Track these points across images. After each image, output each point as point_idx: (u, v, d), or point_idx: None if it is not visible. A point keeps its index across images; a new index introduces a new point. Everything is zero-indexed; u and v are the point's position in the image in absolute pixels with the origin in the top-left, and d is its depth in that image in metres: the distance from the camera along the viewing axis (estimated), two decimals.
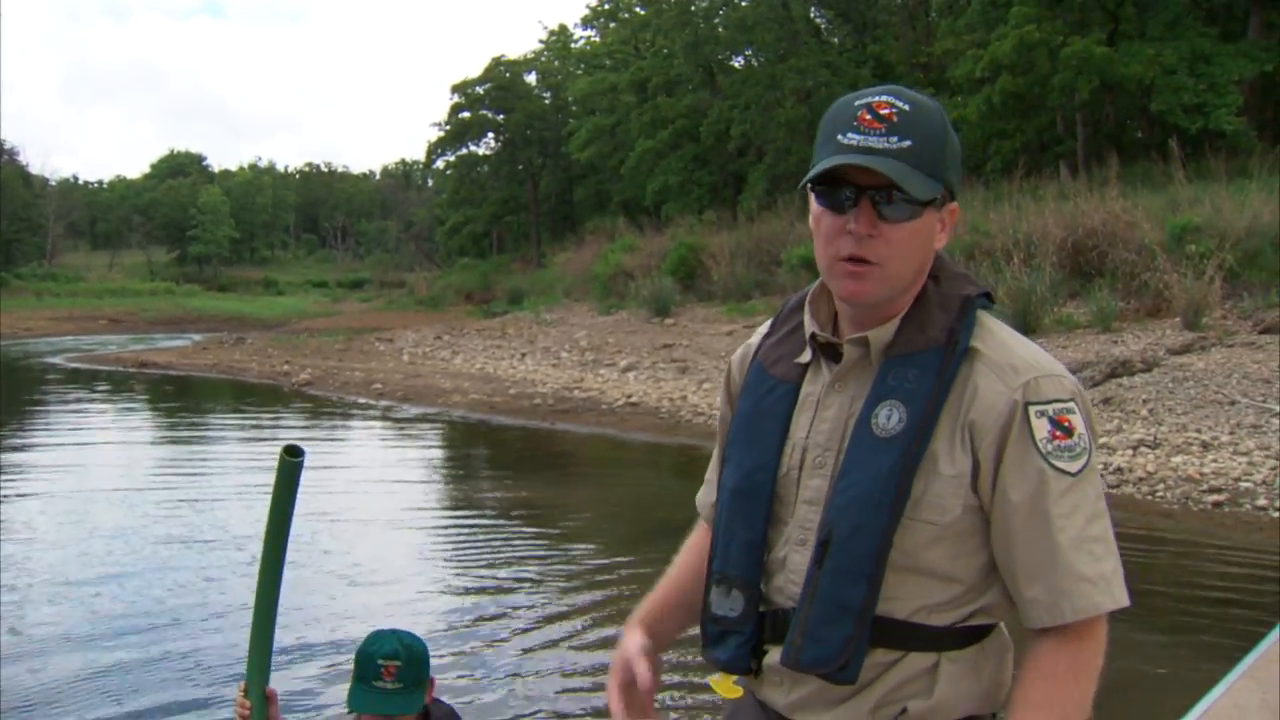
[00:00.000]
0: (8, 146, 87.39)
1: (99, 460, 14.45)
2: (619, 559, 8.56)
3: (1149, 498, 9.94)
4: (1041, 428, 1.54)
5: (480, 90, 65.05)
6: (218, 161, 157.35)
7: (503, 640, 6.72)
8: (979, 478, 1.56)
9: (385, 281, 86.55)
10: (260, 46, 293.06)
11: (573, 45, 65.38)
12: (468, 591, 7.89)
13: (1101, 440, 11.42)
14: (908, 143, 1.53)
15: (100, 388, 25.25)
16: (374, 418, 18.93)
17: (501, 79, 64.59)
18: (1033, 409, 1.54)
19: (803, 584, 1.62)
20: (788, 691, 1.68)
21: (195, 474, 13.18)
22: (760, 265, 30.47)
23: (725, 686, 1.80)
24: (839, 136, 1.55)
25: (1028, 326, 17.41)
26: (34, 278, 76.18)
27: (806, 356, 1.72)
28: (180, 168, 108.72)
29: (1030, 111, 31.19)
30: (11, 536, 9.32)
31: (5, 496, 11.34)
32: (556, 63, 66.53)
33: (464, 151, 67.73)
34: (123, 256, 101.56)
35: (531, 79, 66.79)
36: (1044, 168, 28.12)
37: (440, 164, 71.19)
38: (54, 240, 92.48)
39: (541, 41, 67.45)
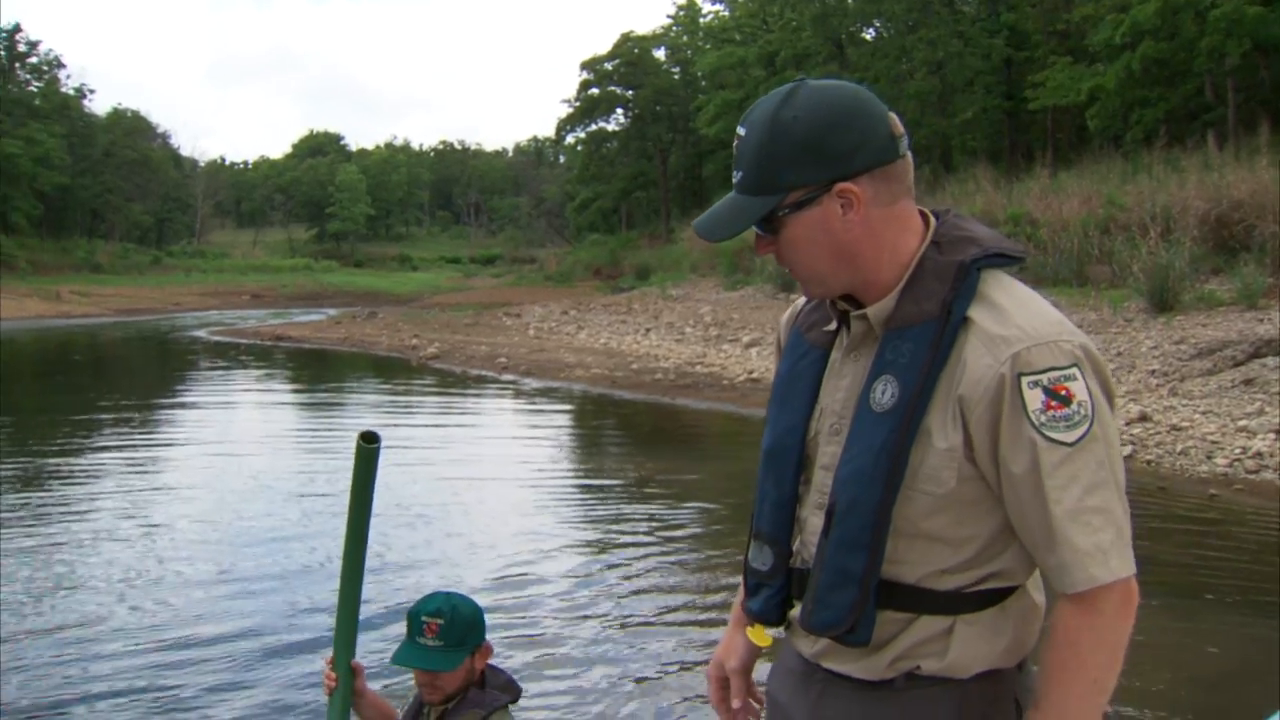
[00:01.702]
0: (160, 130, 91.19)
1: (216, 429, 15.02)
2: (731, 534, 8.48)
3: None
4: (1035, 399, 1.51)
5: (609, 66, 65.24)
6: (355, 140, 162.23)
7: (605, 613, 6.72)
8: (974, 450, 1.57)
9: (517, 257, 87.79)
10: (395, 27, 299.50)
11: (701, 20, 65.02)
12: (579, 561, 7.92)
13: (1240, 423, 10.89)
14: (739, 174, 1.63)
15: (238, 360, 26.22)
16: (496, 391, 19.20)
17: (630, 55, 64.63)
18: (1025, 380, 1.52)
19: (815, 549, 1.70)
20: (813, 643, 1.76)
21: (313, 444, 13.59)
22: None
23: (759, 635, 1.89)
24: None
25: (1165, 303, 16.72)
26: (183, 255, 79.61)
27: (833, 324, 1.77)
28: (319, 147, 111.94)
29: (1175, 78, 29.79)
30: (163, 491, 9.75)
31: (156, 457, 11.91)
32: (685, 38, 66.26)
33: (593, 128, 68.08)
34: (266, 234, 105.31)
35: (660, 54, 66.68)
36: (1189, 137, 26.88)
37: (570, 140, 71.74)
38: (202, 219, 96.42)
39: (670, 17, 67.35)
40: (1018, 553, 1.63)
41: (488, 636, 2.72)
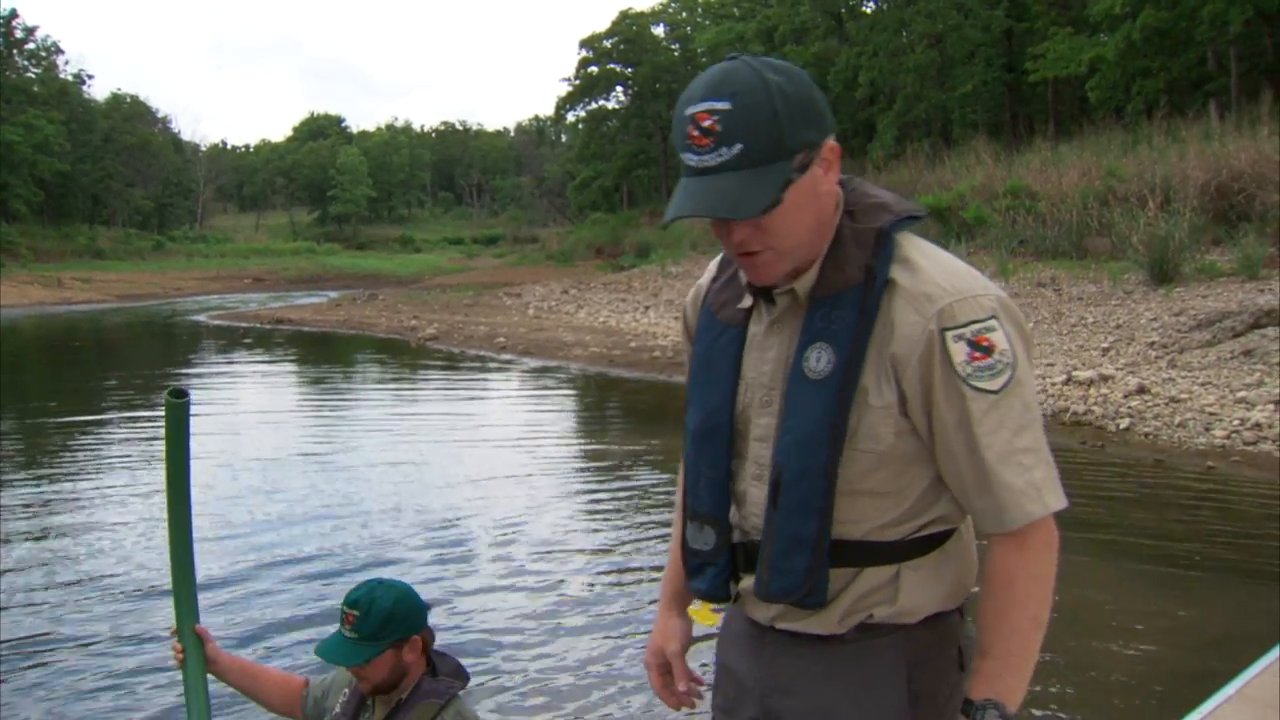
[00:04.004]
0: (160, 115, 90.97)
1: (212, 415, 15.00)
2: None
3: None
4: (959, 351, 1.56)
5: (608, 44, 64.92)
6: (356, 122, 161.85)
7: (607, 592, 6.68)
8: (908, 405, 1.62)
9: (519, 237, 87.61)
10: (395, 7, 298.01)
11: None
12: (580, 540, 7.88)
13: (1239, 394, 10.80)
14: (738, 147, 1.52)
15: (235, 343, 26.18)
16: (494, 371, 19.17)
17: (629, 32, 64.31)
18: (949, 334, 1.57)
19: (762, 520, 1.70)
20: (767, 609, 1.78)
21: (318, 422, 13.56)
22: None
23: (704, 614, 1.94)
24: (682, 155, 1.58)
25: (1164, 275, 16.61)
26: (185, 239, 79.54)
27: (748, 301, 1.77)
28: (320, 130, 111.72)
29: (1176, 48, 29.51)
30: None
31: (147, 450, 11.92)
32: (684, 14, 65.90)
33: (593, 106, 67.83)
34: (268, 217, 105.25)
35: (659, 31, 66.33)
36: (1191, 108, 26.67)
37: (570, 119, 71.40)
38: (204, 203, 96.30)
39: None
40: (953, 498, 1.69)
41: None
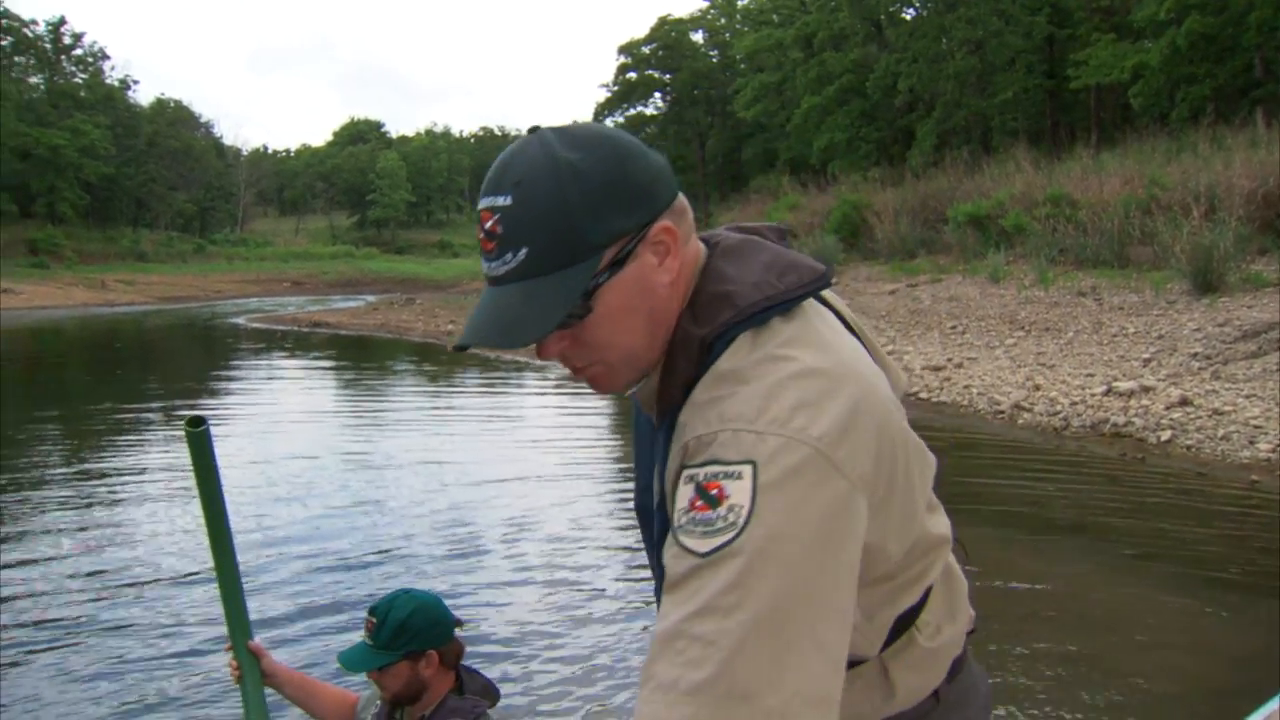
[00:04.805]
0: (203, 120, 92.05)
1: (246, 413, 15.09)
2: None
3: None
4: (684, 495, 1.19)
5: (647, 50, 65.05)
6: (395, 127, 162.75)
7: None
8: None
9: None
10: (434, 13, 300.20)
11: (739, 2, 64.55)
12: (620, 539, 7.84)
13: None
14: (523, 252, 1.24)
15: (273, 345, 26.37)
16: (530, 373, 19.16)
17: (668, 38, 64.40)
18: (685, 472, 1.21)
19: None
20: None
21: (352, 426, 13.61)
22: (926, 223, 29.61)
23: None
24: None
25: (1208, 284, 16.36)
26: (226, 243, 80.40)
27: None
28: (360, 134, 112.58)
29: (1222, 54, 29.12)
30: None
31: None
32: (722, 20, 65.86)
33: (631, 112, 67.94)
34: (308, 221, 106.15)
35: (698, 37, 66.37)
36: (1237, 115, 26.27)
37: (609, 125, 71.50)
38: (245, 207, 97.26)
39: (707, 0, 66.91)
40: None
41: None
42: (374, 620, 2.54)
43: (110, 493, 9.65)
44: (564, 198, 1.23)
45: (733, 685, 1.08)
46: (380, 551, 7.71)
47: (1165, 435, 10.51)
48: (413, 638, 2.52)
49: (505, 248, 1.25)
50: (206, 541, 2.43)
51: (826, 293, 1.46)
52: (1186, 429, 10.55)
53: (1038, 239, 22.72)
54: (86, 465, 11.17)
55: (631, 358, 1.33)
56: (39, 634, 6.04)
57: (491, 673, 5.35)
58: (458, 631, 2.65)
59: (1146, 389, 11.94)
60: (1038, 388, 12.94)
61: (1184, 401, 11.29)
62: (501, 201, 1.25)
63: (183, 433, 2.28)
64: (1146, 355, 13.73)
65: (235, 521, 7.63)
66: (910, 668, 1.48)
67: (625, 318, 1.29)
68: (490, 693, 2.66)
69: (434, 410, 15.45)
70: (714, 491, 1.16)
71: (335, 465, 11.10)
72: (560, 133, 1.29)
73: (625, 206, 1.26)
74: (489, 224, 1.26)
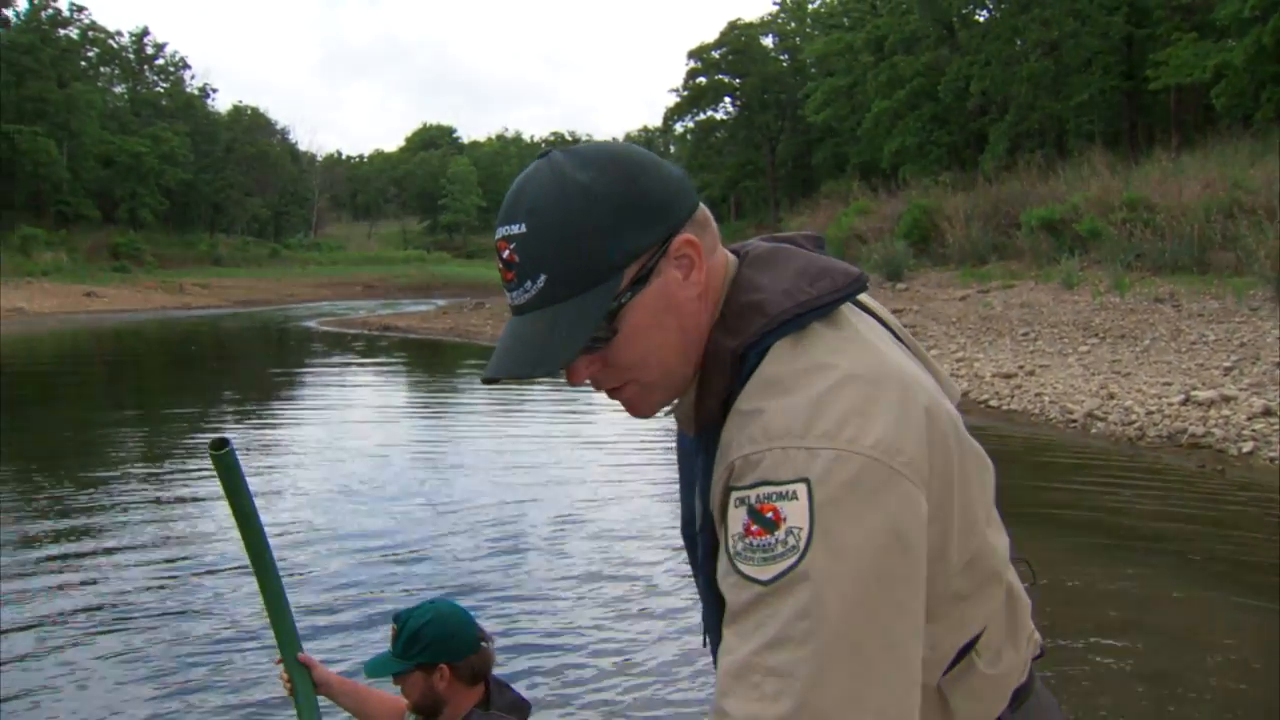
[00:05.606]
0: (279, 126, 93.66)
1: (319, 413, 15.27)
2: None
3: None
4: (736, 520, 1.15)
5: (717, 55, 65.00)
6: (466, 133, 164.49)
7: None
8: None
9: None
10: (505, 18, 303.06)
11: (809, 5, 64.24)
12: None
13: None
14: (541, 279, 1.23)
15: (343, 348, 26.72)
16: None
17: (738, 43, 64.29)
18: (733, 495, 1.16)
19: None
20: None
21: (420, 429, 13.72)
22: (998, 228, 29.15)
23: None
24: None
25: None
26: (300, 247, 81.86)
27: None
28: (432, 140, 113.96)
29: None
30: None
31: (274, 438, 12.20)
32: (792, 24, 65.60)
33: (701, 117, 67.99)
34: (380, 226, 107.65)
35: (768, 42, 66.16)
36: None
37: (679, 129, 71.66)
38: (319, 212, 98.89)
39: (777, 3, 66.71)
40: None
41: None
42: (395, 627, 2.57)
43: (186, 486, 9.82)
44: (577, 221, 1.22)
45: (815, 717, 1.06)
46: (442, 549, 7.74)
47: (1247, 446, 10.19)
48: (424, 649, 2.51)
49: (524, 276, 1.24)
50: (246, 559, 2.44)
51: (868, 299, 1.44)
52: (1270, 441, 10.21)
53: (1113, 244, 22.26)
54: (164, 461, 11.38)
55: (664, 375, 1.30)
56: (103, 625, 6.12)
57: (547, 674, 5.34)
58: (486, 644, 2.62)
59: (1227, 399, 11.59)
60: (1112, 396, 12.63)
61: (1267, 412, 10.94)
62: (516, 230, 1.24)
63: (208, 456, 2.27)
64: (1227, 364, 13.34)
65: (302, 518, 7.77)
66: (970, 696, 1.41)
67: (653, 335, 1.27)
68: (520, 708, 2.62)
69: (502, 410, 15.52)
70: (769, 515, 1.13)
71: (403, 463, 11.28)
72: (571, 154, 1.28)
73: (642, 223, 1.24)
74: (506, 253, 1.25)
